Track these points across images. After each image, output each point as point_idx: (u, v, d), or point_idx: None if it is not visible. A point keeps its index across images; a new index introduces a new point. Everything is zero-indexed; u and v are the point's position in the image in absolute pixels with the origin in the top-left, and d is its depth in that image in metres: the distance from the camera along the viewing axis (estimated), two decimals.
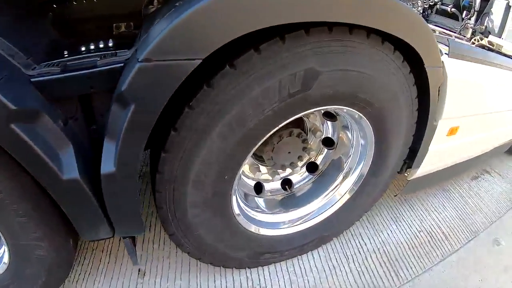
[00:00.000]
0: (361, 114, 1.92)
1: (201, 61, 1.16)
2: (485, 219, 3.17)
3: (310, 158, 2.46)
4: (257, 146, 1.65)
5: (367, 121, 1.97)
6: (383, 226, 2.82)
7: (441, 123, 2.28)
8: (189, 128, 1.38)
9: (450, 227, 2.94)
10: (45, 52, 1.55)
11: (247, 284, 2.25)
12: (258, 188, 2.32)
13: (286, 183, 2.47)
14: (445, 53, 2.07)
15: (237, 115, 1.42)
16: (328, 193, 2.37)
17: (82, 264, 2.23)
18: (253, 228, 2.05)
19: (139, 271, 2.22)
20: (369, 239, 2.70)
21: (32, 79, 1.29)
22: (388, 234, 2.75)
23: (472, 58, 2.22)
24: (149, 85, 1.16)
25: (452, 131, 2.46)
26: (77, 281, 2.13)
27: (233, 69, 1.34)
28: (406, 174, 2.57)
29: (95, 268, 2.21)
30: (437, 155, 2.53)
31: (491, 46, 3.42)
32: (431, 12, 4.12)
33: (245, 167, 2.26)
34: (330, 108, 1.81)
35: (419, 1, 3.84)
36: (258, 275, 2.31)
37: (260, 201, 2.32)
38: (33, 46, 1.49)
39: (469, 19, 3.63)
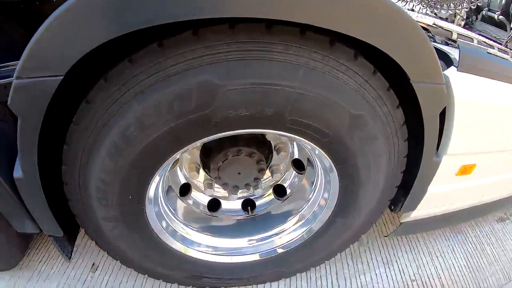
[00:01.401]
0: (314, 146, 1.41)
1: (62, 77, 1.05)
2: (502, 274, 2.50)
3: (277, 181, 1.95)
4: (163, 167, 1.36)
5: (323, 153, 1.45)
6: (368, 267, 2.25)
7: (447, 160, 1.69)
8: (78, 144, 1.26)
9: (454, 279, 2.32)
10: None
11: None
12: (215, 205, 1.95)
13: (249, 204, 2.01)
14: (454, 66, 1.46)
15: (120, 134, 1.19)
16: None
17: (36, 253, 2.17)
18: (182, 249, 1.76)
19: (92, 265, 2.11)
20: (344, 281, 2.14)
21: None
22: (371, 278, 2.18)
23: (496, 74, 1.59)
24: (24, 102, 1.11)
25: (465, 170, 1.85)
26: (30, 266, 2.09)
27: (106, 83, 1.15)
28: (398, 215, 1.98)
29: (50, 256, 2.15)
30: (442, 197, 1.95)
31: None
32: (476, 18, 3.44)
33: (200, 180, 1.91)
34: (258, 131, 1.30)
35: (464, 3, 3.14)
36: None
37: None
38: None
39: None
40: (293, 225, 1.86)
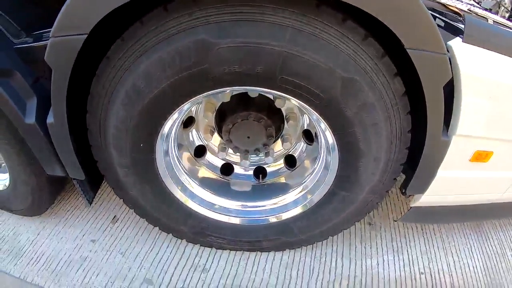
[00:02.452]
0: (310, 108, 1.41)
1: (87, 35, 1.20)
2: None
3: (288, 150, 1.95)
4: (169, 120, 1.49)
5: (320, 118, 1.44)
6: (377, 252, 2.16)
7: (458, 142, 1.59)
8: (99, 94, 1.40)
9: (466, 279, 2.17)
10: (39, 23, 1.66)
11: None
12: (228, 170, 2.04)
13: (261, 171, 2.03)
14: (459, 36, 1.37)
15: (132, 87, 1.33)
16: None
17: (65, 203, 2.35)
18: (190, 204, 1.85)
19: (114, 217, 2.25)
20: (349, 261, 2.08)
21: (14, 46, 1.51)
22: (377, 263, 2.09)
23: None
24: (57, 56, 1.27)
25: (480, 157, 1.73)
26: (58, 214, 2.28)
27: (122, 42, 1.29)
28: (409, 198, 1.88)
29: (76, 207, 2.33)
30: (455, 184, 1.82)
31: None
32: None
33: (215, 143, 1.99)
34: (254, 89, 1.39)
35: None
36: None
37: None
38: (27, 18, 1.68)
39: None
40: (295, 195, 1.81)
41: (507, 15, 3.30)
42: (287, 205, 1.83)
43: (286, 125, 1.80)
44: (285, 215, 1.82)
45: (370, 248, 2.14)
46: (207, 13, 1.18)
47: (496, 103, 1.51)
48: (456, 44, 1.37)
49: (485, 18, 2.40)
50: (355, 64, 1.29)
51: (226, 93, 1.62)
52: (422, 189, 1.73)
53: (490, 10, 3.32)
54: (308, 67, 1.24)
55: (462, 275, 2.18)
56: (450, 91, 1.43)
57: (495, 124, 1.60)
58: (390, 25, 1.19)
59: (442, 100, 1.40)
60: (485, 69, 1.42)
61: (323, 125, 1.49)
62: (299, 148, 1.98)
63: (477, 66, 1.40)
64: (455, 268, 2.21)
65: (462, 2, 3.39)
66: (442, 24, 1.61)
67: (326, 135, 1.54)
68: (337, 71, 1.26)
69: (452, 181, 1.77)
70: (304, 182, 1.83)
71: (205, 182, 1.94)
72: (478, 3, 3.52)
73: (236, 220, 1.87)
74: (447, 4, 2.31)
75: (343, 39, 1.25)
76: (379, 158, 1.53)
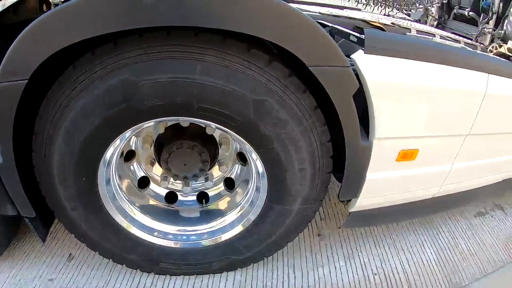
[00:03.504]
0: (231, 131, 1.47)
1: (27, 80, 1.25)
2: (478, 268, 2.33)
3: (226, 173, 1.98)
4: (108, 152, 1.53)
5: (242, 139, 1.51)
6: (328, 260, 2.15)
7: (380, 144, 1.61)
8: (42, 133, 1.43)
9: (421, 273, 2.17)
10: None
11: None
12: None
13: (204, 196, 2.02)
14: (361, 48, 1.41)
15: (71, 124, 1.38)
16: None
17: (21, 244, 2.24)
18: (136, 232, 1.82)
19: (69, 255, 2.16)
20: (301, 272, 2.06)
21: None
22: (329, 271, 2.08)
23: (413, 53, 1.52)
24: (1, 101, 1.30)
25: (406, 156, 1.75)
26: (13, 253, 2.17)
27: (59, 84, 1.36)
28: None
29: (31, 247, 2.21)
30: (387, 184, 1.84)
31: (510, 54, 2.60)
32: (448, 17, 3.35)
33: (157, 173, 1.99)
34: (177, 119, 1.49)
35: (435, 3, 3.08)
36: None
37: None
38: None
39: (487, 23, 2.84)
40: (235, 214, 1.80)
41: (435, 23, 3.42)
42: (228, 226, 1.81)
43: (220, 150, 1.79)
44: (227, 235, 1.80)
45: (321, 257, 2.13)
46: (128, 55, 1.26)
47: (406, 104, 1.55)
48: (358, 56, 1.42)
49: (409, 29, 2.49)
50: (263, 87, 1.36)
51: (160, 125, 1.66)
52: (354, 194, 1.74)
53: (419, 21, 3.44)
54: (221, 94, 1.32)
55: (417, 270, 2.19)
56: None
57: (411, 123, 1.63)
58: (290, 49, 1.29)
59: (353, 109, 1.45)
60: (389, 75, 1.46)
61: (247, 146, 1.52)
62: (235, 170, 1.98)
63: (381, 73, 1.45)
64: (408, 265, 2.21)
65: (393, 16, 3.54)
66: (355, 39, 1.66)
67: (252, 155, 1.55)
68: (248, 94, 1.35)
69: (383, 183, 1.78)
70: (241, 201, 1.82)
71: (150, 210, 1.91)
72: (408, 15, 3.65)
73: (182, 245, 1.84)
74: (370, 21, 2.39)
75: (250, 66, 1.34)
76: (304, 170, 1.54)
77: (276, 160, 1.51)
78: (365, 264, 2.15)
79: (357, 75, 1.43)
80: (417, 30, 2.53)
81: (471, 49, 2.33)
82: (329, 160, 1.59)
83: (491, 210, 2.97)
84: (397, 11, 3.21)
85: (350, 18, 2.38)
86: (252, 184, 1.76)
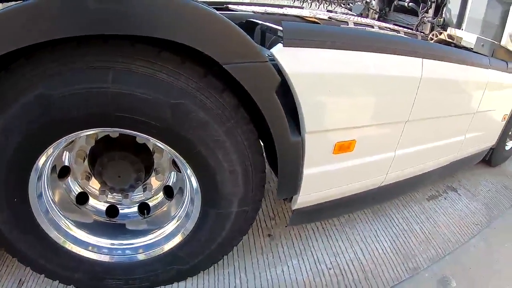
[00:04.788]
0: (154, 139, 1.36)
1: None
2: (435, 250, 2.28)
3: (163, 182, 1.87)
4: (34, 170, 1.38)
5: (166, 146, 1.39)
6: (280, 260, 2.05)
7: (312, 138, 1.52)
8: None
9: (377, 263, 2.10)
10: None
11: None
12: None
13: (145, 207, 1.88)
14: (280, 42, 1.32)
15: None
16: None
17: None
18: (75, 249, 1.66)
19: (19, 281, 1.92)
20: (253, 275, 1.95)
21: None
22: (282, 271, 1.98)
23: (331, 43, 1.43)
24: None
25: (343, 147, 1.67)
26: None
27: None
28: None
29: None
30: (328, 178, 1.75)
31: (451, 40, 2.59)
32: (389, 9, 3.32)
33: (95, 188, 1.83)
34: (98, 130, 1.37)
35: None
36: None
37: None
38: None
39: (426, 12, 2.81)
40: (173, 224, 1.68)
41: (376, 16, 3.39)
42: (167, 236, 1.69)
43: (154, 158, 1.67)
44: (168, 246, 1.67)
45: (273, 258, 2.03)
46: (41, 69, 1.17)
47: (333, 95, 1.47)
48: (277, 50, 1.34)
49: (346, 22, 2.42)
50: (178, 89, 1.25)
51: (90, 137, 1.56)
52: (294, 191, 1.65)
53: (361, 15, 3.41)
54: (135, 101, 1.22)
55: (372, 259, 2.12)
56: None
57: (343, 114, 1.55)
58: (200, 48, 1.18)
59: (277, 105, 1.36)
60: (310, 66, 1.39)
61: (173, 151, 1.40)
62: (172, 178, 1.85)
63: (301, 65, 1.37)
64: (363, 256, 2.14)
65: (335, 12, 3.49)
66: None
67: (181, 160, 1.43)
68: (163, 99, 1.24)
69: (323, 177, 1.70)
70: (178, 210, 1.70)
71: (89, 226, 1.77)
72: (349, 9, 3.62)
73: (124, 259, 1.71)
74: (305, 17, 2.30)
75: (162, 69, 1.23)
76: (234, 171, 1.44)
77: (203, 164, 1.40)
78: (318, 260, 2.06)
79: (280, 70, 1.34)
80: (354, 23, 2.47)
81: (410, 37, 2.29)
82: (260, 158, 1.48)
83: (444, 192, 2.95)
84: (338, 6, 3.14)
85: (286, 15, 2.29)
86: (187, 192, 1.64)
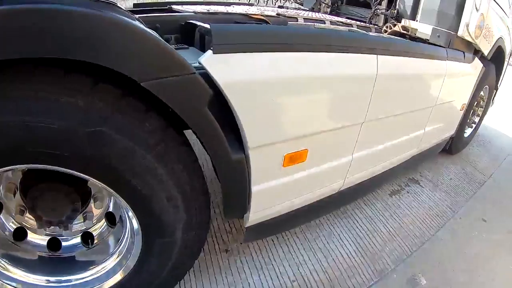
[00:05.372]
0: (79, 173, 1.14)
1: None
2: (402, 248, 2.19)
3: (105, 209, 1.67)
4: None
5: (92, 179, 1.18)
6: (240, 277, 1.90)
7: (257, 153, 1.35)
8: None
9: (342, 269, 1.99)
10: None
11: None
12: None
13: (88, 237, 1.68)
14: (210, 49, 1.13)
15: None
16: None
17: None
18: None
19: None
20: None
21: None
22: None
23: (265, 45, 1.27)
24: None
25: (294, 159, 1.52)
26: None
27: None
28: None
29: None
30: (281, 192, 1.61)
31: (405, 32, 2.48)
32: (342, 2, 3.20)
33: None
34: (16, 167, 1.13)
35: None
36: None
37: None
38: None
39: (380, 4, 2.69)
40: (114, 260, 1.49)
41: (328, 10, 3.26)
42: (109, 272, 1.50)
43: (90, 186, 1.49)
44: (112, 281, 1.48)
45: (232, 276, 1.88)
46: None
47: (276, 103, 1.30)
48: (206, 58, 1.14)
49: (295, 18, 2.26)
50: (93, 115, 1.04)
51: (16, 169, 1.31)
52: (243, 210, 1.49)
53: (313, 9, 3.27)
54: (47, 133, 1.01)
55: (337, 266, 2.01)
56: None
57: (289, 123, 1.39)
58: (109, 65, 0.98)
59: (211, 121, 1.19)
60: (246, 73, 1.22)
61: (100, 184, 1.21)
62: (112, 204, 1.66)
63: (235, 73, 1.19)
64: (328, 263, 2.02)
65: (286, 7, 3.34)
66: None
67: (113, 192, 1.24)
68: (77, 128, 1.03)
69: (275, 191, 1.55)
70: (121, 241, 1.52)
71: (32, 263, 1.56)
72: (301, 5, 3.47)
73: None
74: (251, 14, 2.13)
75: (72, 94, 1.02)
76: (173, 197, 1.27)
77: (136, 194, 1.23)
78: (280, 273, 1.93)
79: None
80: (304, 19, 2.31)
81: (363, 31, 2.15)
82: (201, 181, 1.31)
83: (406, 185, 2.88)
84: (289, 1, 2.98)
85: (230, 14, 2.10)
86: (126, 221, 1.45)
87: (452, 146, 3.40)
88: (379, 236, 2.28)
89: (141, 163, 1.15)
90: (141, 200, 1.25)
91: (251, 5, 2.76)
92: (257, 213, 1.56)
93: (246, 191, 1.44)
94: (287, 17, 2.27)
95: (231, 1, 2.51)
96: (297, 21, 2.30)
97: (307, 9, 3.40)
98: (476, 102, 3.44)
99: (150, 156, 1.16)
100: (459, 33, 2.42)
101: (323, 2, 3.27)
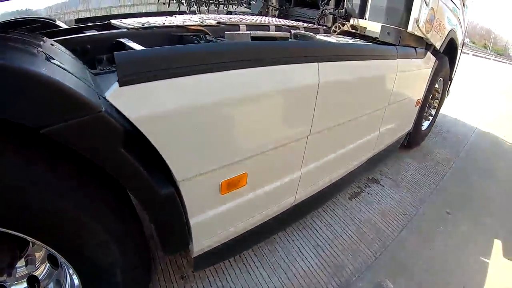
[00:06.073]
0: None
1: None
2: (365, 254, 2.14)
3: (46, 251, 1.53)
4: None
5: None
6: None
7: (190, 185, 1.24)
8: None
9: (306, 284, 1.93)
10: None
11: None
12: None
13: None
14: (117, 81, 1.01)
15: None
16: None
17: None
18: None
19: None
20: None
21: None
22: None
23: (177, 71, 1.14)
24: None
25: (232, 185, 1.42)
26: None
27: None
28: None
29: None
30: (225, 219, 1.51)
31: (354, 31, 2.41)
32: (290, 5, 3.11)
33: None
34: None
35: None
36: None
37: None
38: None
39: (327, 4, 2.61)
40: None
41: (277, 13, 3.17)
42: None
43: None
44: None
45: None
46: None
47: (200, 130, 1.20)
48: (111, 93, 1.02)
49: (237, 25, 2.14)
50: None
51: None
52: (184, 244, 1.39)
53: (260, 13, 3.18)
54: None
55: (299, 281, 1.94)
56: None
57: (220, 149, 1.29)
58: (8, 118, 0.86)
59: (128, 160, 1.08)
60: (158, 103, 1.09)
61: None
62: None
63: (147, 104, 1.07)
64: (288, 279, 1.95)
65: (235, 13, 3.24)
66: None
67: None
68: None
69: (217, 219, 1.45)
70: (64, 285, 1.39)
71: None
72: (247, 7, 3.36)
73: None
74: (189, 26, 2.00)
75: None
76: (103, 241, 1.17)
77: (63, 244, 1.13)
78: None
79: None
80: (246, 25, 2.21)
81: (300, 40, 2.05)
82: (134, 220, 1.20)
83: (366, 186, 2.83)
84: (239, 6, 2.87)
85: (166, 26, 1.97)
86: (64, 266, 1.33)
87: (411, 141, 3.39)
88: (340, 244, 2.22)
89: (59, 213, 1.03)
90: (70, 249, 1.14)
91: (194, 13, 2.62)
92: (201, 243, 1.47)
93: (183, 225, 1.34)
94: (228, 25, 2.16)
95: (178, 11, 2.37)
96: (239, 28, 2.19)
97: (256, 13, 3.30)
98: (431, 95, 3.43)
99: (69, 205, 1.04)
100: (409, 29, 2.37)
101: (271, 5, 3.17)
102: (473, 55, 28.76)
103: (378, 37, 2.46)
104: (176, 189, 1.25)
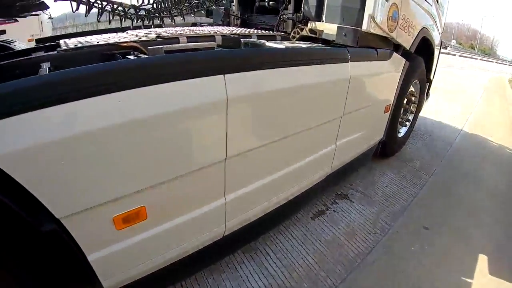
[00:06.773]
0: None
1: None
2: (324, 283, 1.95)
3: None
4: None
5: None
6: None
7: (74, 221, 1.14)
8: None
9: None
10: None
11: None
12: None
13: None
14: None
15: None
16: None
17: None
18: None
19: None
20: None
21: None
22: None
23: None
24: None
25: (129, 219, 1.30)
26: None
27: None
28: None
29: None
30: (130, 255, 1.36)
31: (313, 35, 2.30)
32: (251, 13, 3.02)
33: None
34: None
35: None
36: None
37: None
38: None
39: (286, 8, 2.54)
40: None
41: (239, 22, 3.08)
42: None
43: None
44: None
45: None
46: None
47: (66, 163, 1.07)
48: None
49: (177, 38, 2.04)
50: None
51: None
52: (91, 281, 1.26)
53: (223, 23, 3.10)
54: None
55: None
56: None
57: (97, 182, 1.16)
58: None
59: None
60: (16, 140, 0.97)
61: None
62: None
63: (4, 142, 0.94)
64: None
65: (200, 24, 3.15)
66: None
67: None
68: None
69: (122, 255, 1.33)
70: None
71: None
72: (211, 19, 3.29)
73: None
74: (122, 43, 1.89)
75: None
76: None
77: None
78: None
79: None
80: (187, 37, 2.09)
81: (215, 50, 1.89)
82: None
83: (333, 203, 2.64)
84: (193, 15, 2.78)
85: (100, 45, 1.87)
86: None
87: (386, 150, 3.21)
88: (296, 273, 2.01)
89: None
90: None
91: (139, 27, 2.53)
92: (111, 280, 1.33)
93: (79, 262, 1.21)
94: (167, 38, 2.05)
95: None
96: (179, 41, 2.08)
97: (220, 23, 3.22)
98: (406, 100, 3.26)
99: None
100: (364, 27, 2.21)
101: (232, 15, 3.08)
102: (459, 56, 28.66)
103: (335, 39, 2.33)
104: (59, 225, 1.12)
